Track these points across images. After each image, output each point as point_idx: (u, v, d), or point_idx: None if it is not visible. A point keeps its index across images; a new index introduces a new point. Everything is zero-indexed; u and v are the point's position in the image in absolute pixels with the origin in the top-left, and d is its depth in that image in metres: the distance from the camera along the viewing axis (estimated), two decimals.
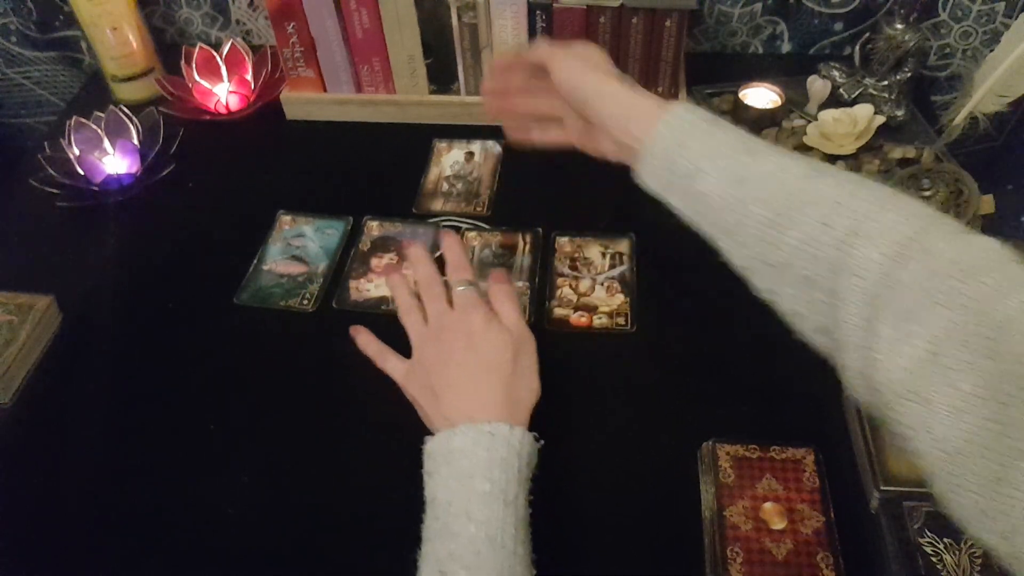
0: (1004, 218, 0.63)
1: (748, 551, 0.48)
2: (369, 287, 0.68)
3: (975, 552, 0.47)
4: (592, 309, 0.66)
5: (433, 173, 0.80)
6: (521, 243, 0.72)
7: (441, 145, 0.84)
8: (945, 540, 0.48)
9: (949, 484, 0.33)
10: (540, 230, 0.73)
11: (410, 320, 0.56)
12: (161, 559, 0.52)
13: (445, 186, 0.79)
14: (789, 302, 0.43)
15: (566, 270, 0.69)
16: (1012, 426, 0.31)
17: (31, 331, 0.64)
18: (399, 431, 0.54)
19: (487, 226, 0.74)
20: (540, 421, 0.58)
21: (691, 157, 0.46)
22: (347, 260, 0.71)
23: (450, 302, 0.55)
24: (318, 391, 0.62)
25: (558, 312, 0.66)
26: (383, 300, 0.67)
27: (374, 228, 0.73)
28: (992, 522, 0.32)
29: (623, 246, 0.71)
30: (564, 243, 0.71)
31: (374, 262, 0.71)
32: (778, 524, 0.49)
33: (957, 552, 0.47)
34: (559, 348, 0.61)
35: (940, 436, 0.33)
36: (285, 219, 0.75)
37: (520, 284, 0.68)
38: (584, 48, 0.54)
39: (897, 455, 0.52)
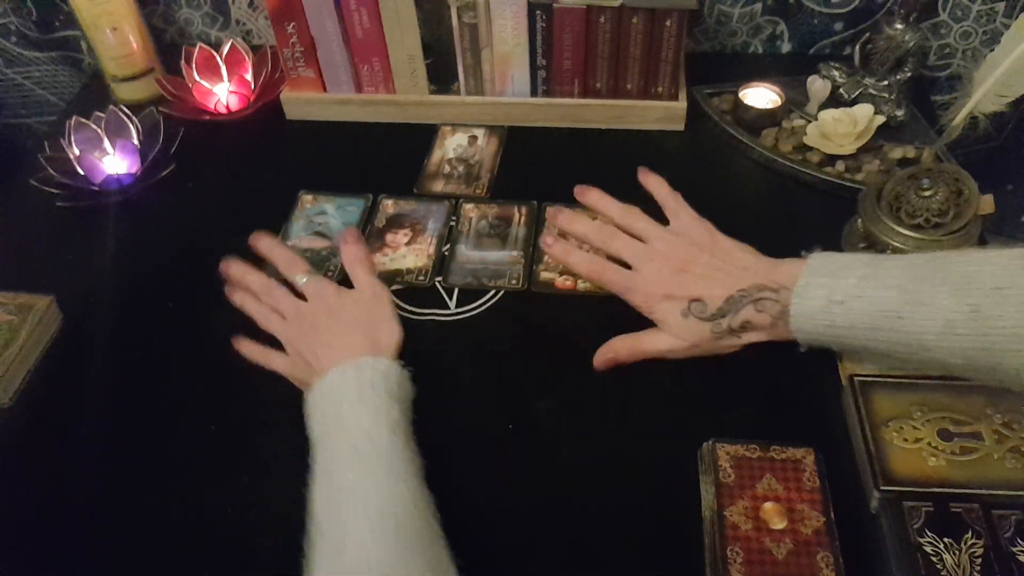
0: (1004, 218, 0.63)
1: (748, 551, 0.48)
2: (385, 260, 0.71)
3: (975, 552, 0.47)
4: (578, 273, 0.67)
5: (436, 155, 0.82)
6: (517, 215, 0.74)
7: (445, 128, 0.85)
8: (945, 540, 0.48)
9: None
10: (536, 203, 0.75)
11: (273, 324, 0.60)
12: (161, 559, 0.52)
13: (447, 168, 0.80)
14: None
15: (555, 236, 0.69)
16: None
17: (31, 331, 0.64)
18: None
19: (484, 197, 0.76)
20: (539, 418, 0.58)
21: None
22: (365, 236, 0.73)
23: (298, 296, 0.61)
24: None
25: (544, 276, 0.68)
26: (398, 273, 0.70)
27: (389, 206, 0.76)
28: None
29: None
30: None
31: (389, 237, 0.73)
32: (778, 524, 0.49)
33: (957, 552, 0.47)
34: (547, 310, 0.66)
35: None
36: (307, 198, 0.78)
37: (515, 254, 0.70)
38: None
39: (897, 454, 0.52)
